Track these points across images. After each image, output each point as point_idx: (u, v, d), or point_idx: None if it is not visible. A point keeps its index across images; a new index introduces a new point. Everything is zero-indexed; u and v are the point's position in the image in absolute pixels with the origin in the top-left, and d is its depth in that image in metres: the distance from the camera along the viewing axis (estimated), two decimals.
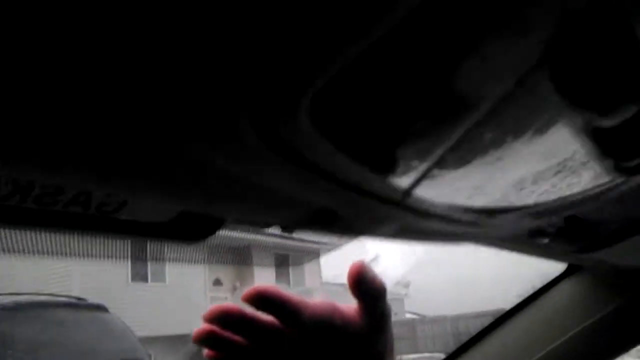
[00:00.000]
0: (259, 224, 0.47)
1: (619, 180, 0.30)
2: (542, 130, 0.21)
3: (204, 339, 0.55)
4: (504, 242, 0.58)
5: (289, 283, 16.13)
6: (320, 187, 0.20)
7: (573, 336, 1.09)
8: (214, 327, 0.55)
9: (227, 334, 0.55)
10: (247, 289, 0.56)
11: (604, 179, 0.29)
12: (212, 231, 0.51)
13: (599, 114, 0.19)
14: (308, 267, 16.66)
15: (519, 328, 1.15)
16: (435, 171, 0.22)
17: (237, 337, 0.55)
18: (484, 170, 0.24)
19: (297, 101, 0.14)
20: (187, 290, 14.02)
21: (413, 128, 0.18)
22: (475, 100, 0.17)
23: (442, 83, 0.15)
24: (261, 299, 0.54)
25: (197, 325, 0.57)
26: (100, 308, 5.65)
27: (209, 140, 0.16)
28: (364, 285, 0.55)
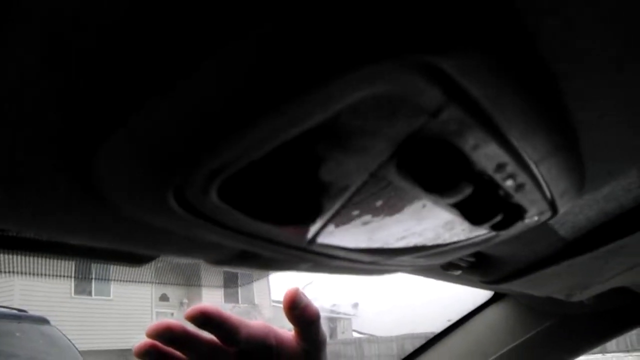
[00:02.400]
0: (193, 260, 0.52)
1: (492, 233, 0.36)
2: (408, 203, 0.27)
3: (145, 353, 0.57)
4: (422, 272, 0.64)
5: (237, 300, 16.00)
6: (236, 238, 0.26)
7: (499, 357, 1.16)
8: (156, 343, 0.57)
9: (168, 349, 0.58)
10: (193, 306, 0.60)
11: (479, 231, 0.35)
12: (151, 259, 0.55)
13: (440, 195, 0.25)
14: (257, 285, 16.56)
15: (448, 350, 1.22)
16: (331, 226, 0.28)
17: (177, 353, 0.58)
18: (373, 224, 0.30)
19: (207, 186, 0.20)
20: (132, 305, 13.76)
21: (304, 200, 0.24)
22: (343, 186, 0.23)
23: (317, 177, 0.22)
24: (203, 318, 0.57)
25: (142, 340, 0.60)
26: (42, 320, 5.53)
27: (144, 210, 0.22)
28: (298, 311, 0.59)
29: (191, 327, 0.59)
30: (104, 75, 0.17)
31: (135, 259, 0.53)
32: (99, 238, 0.29)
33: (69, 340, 5.55)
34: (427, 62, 0.17)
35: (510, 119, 0.23)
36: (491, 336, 1.19)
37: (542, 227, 0.57)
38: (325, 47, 0.16)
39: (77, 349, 5.54)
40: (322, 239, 0.29)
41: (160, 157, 0.19)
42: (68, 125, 0.18)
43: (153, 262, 0.54)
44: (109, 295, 13.60)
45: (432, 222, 0.32)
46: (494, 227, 0.33)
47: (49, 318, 5.65)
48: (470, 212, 0.29)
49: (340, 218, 0.27)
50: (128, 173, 0.20)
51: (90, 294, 13.26)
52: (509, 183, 0.29)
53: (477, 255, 0.62)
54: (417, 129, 0.20)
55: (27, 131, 0.18)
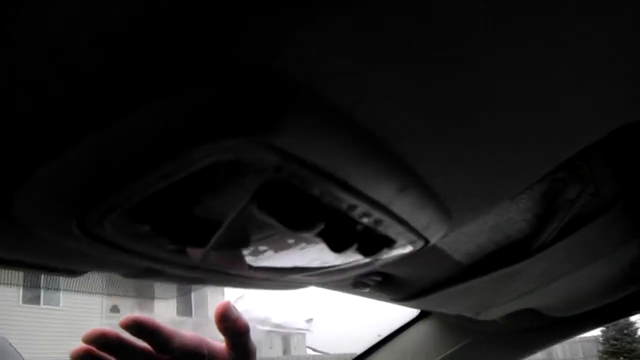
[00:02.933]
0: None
1: (369, 258, 0.44)
2: (286, 239, 0.35)
3: (82, 357, 0.61)
4: (333, 287, 0.72)
5: (191, 312, 15.84)
6: (135, 258, 0.33)
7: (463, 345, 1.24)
8: (91, 347, 0.62)
9: (103, 355, 0.62)
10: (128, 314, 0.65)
11: (356, 256, 0.43)
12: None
13: (296, 230, 0.33)
14: (211, 295, 16.43)
15: (414, 338, 1.30)
16: (218, 250, 0.35)
17: (112, 359, 0.63)
18: (257, 249, 0.37)
19: (102, 219, 0.27)
20: (82, 316, 13.51)
21: (190, 229, 0.31)
22: (218, 221, 0.30)
23: (196, 214, 0.29)
24: (137, 326, 0.62)
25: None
26: None
27: (54, 235, 0.29)
28: (228, 323, 0.64)
29: (127, 336, 0.64)
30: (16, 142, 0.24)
31: (69, 271, 0.59)
32: (23, 255, 0.36)
33: (16, 350, 5.46)
34: (259, 140, 0.24)
35: (346, 173, 0.30)
36: (417, 352, 1.27)
37: (437, 253, 0.65)
38: (187, 131, 0.23)
39: (24, 359, 5.44)
40: (213, 259, 0.36)
41: (63, 198, 0.26)
42: None
43: (96, 275, 0.60)
44: (59, 305, 13.32)
45: (310, 249, 0.39)
46: (363, 253, 0.41)
47: None
48: (331, 241, 0.36)
49: (224, 244, 0.34)
50: (40, 207, 0.27)
51: (39, 302, 12.97)
52: (366, 220, 0.36)
53: (383, 275, 0.69)
54: (266, 180, 0.27)
55: None
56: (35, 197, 0.26)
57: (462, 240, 0.64)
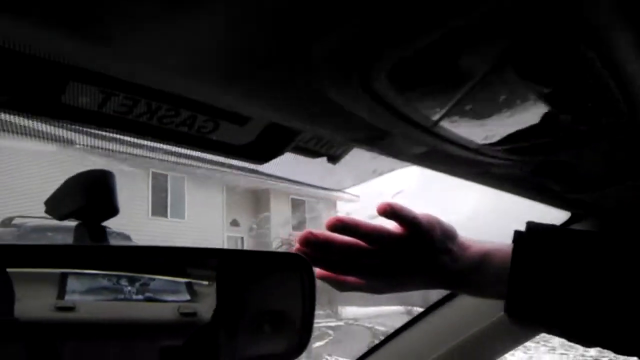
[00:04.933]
0: (317, 152, 0.62)
1: None
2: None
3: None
4: (510, 182, 0.72)
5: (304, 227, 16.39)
6: (380, 114, 0.36)
7: (496, 321, 1.23)
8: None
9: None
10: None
11: None
12: (276, 155, 0.65)
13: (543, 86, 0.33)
14: (325, 215, 16.92)
15: (448, 314, 1.31)
16: (454, 115, 0.36)
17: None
18: (483, 119, 0.38)
19: (380, 70, 0.29)
20: (204, 228, 14.36)
21: (436, 86, 0.33)
22: (470, 75, 0.31)
23: (452, 69, 0.30)
24: (342, 225, 0.75)
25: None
26: (124, 237, 5.93)
27: (335, 88, 0.32)
28: (396, 216, 0.74)
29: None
30: None
31: (260, 157, 0.64)
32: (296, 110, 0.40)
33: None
34: None
35: None
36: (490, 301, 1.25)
37: None
38: None
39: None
40: (443, 124, 0.38)
41: (349, 56, 0.28)
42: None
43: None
44: (184, 218, 14.20)
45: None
46: None
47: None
48: None
49: (460, 109, 0.36)
50: (330, 63, 0.30)
51: (166, 215, 13.89)
52: None
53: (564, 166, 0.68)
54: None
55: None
56: (327, 52, 0.29)
57: None
